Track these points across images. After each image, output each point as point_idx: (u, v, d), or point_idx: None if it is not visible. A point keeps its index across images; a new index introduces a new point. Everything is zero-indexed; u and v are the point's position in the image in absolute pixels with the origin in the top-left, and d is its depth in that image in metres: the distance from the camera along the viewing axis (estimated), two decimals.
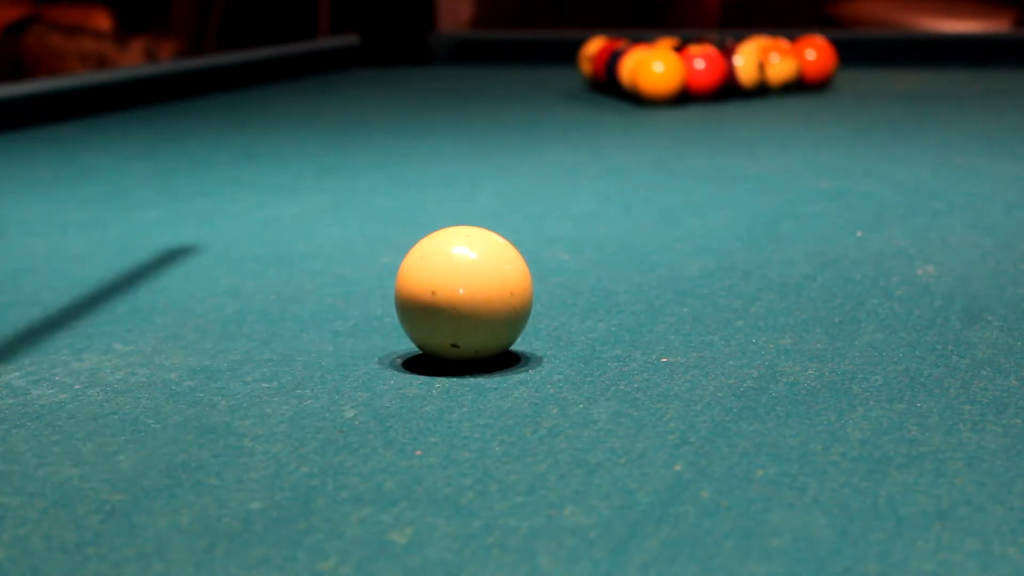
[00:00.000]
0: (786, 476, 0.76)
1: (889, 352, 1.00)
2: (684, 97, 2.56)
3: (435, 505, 0.74)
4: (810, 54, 2.74)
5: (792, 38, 2.79)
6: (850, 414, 0.86)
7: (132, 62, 4.63)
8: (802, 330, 1.06)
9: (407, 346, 1.02)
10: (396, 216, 1.63)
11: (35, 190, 1.83)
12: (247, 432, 0.86)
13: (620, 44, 2.73)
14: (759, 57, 2.64)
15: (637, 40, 2.78)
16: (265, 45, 3.29)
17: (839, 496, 0.73)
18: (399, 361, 1.00)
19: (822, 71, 2.75)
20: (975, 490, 0.74)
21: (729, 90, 2.60)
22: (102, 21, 4.96)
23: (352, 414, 0.89)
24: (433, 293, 0.95)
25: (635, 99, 2.57)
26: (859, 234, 1.44)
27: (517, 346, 1.02)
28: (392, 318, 1.10)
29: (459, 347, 0.96)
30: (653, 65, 2.52)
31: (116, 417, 0.90)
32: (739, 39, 2.75)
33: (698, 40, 2.75)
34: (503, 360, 0.99)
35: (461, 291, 0.95)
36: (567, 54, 3.15)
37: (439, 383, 0.94)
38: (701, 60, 2.57)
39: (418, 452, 0.82)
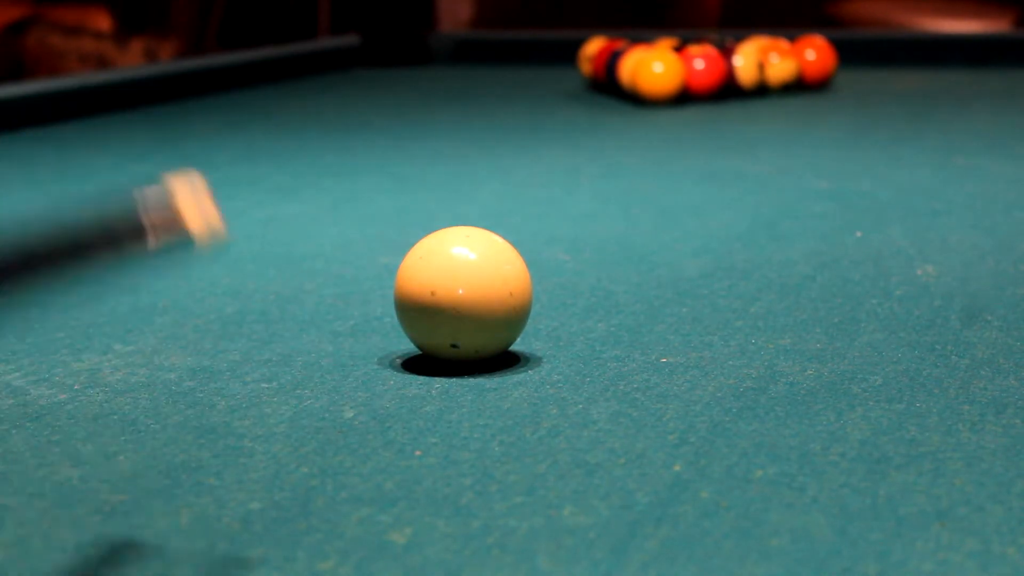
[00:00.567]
0: (785, 476, 0.76)
1: (888, 352, 1.00)
2: (684, 97, 2.56)
3: (434, 505, 0.74)
4: (810, 54, 2.74)
5: (792, 38, 2.79)
6: (849, 414, 0.87)
7: (132, 62, 4.63)
8: (801, 330, 1.06)
9: (407, 346, 1.03)
10: (396, 216, 1.63)
11: (35, 190, 1.83)
12: (246, 432, 0.86)
13: (620, 44, 2.73)
14: (759, 57, 2.64)
15: (637, 40, 2.78)
16: (265, 45, 3.29)
17: (838, 496, 0.73)
18: (399, 361, 1.00)
19: (822, 71, 2.75)
20: (974, 490, 0.74)
21: (729, 90, 2.60)
22: (102, 21, 4.95)
23: (351, 414, 0.89)
24: (433, 293, 0.95)
25: (635, 99, 2.57)
26: (859, 234, 1.44)
27: (516, 346, 1.02)
28: (392, 318, 1.10)
29: (459, 347, 0.96)
30: (653, 65, 2.52)
31: (116, 417, 0.90)
32: (739, 39, 2.75)
33: (698, 40, 2.75)
34: (503, 360, 0.99)
35: (461, 291, 0.95)
36: (567, 54, 3.15)
37: (438, 383, 0.95)
38: (701, 60, 2.57)
39: (417, 452, 0.82)
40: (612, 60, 2.64)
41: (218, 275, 1.31)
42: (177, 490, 0.77)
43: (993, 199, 1.64)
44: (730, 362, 0.98)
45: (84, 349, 1.05)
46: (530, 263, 1.02)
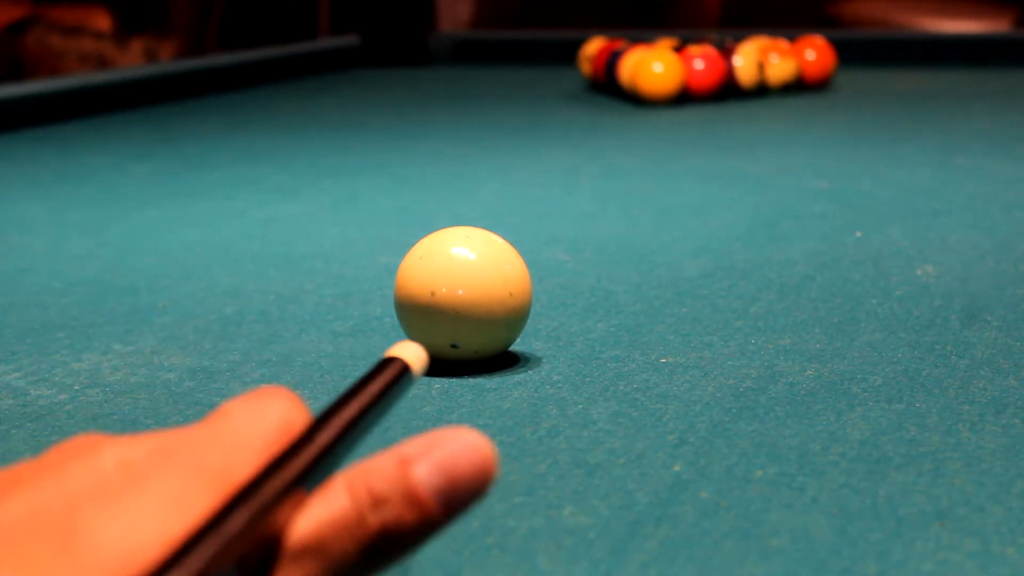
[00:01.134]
0: (785, 476, 0.76)
1: (888, 352, 1.00)
2: (684, 97, 2.56)
3: None
4: (810, 54, 2.74)
5: (792, 38, 2.79)
6: (849, 414, 0.87)
7: (132, 62, 4.63)
8: (801, 330, 1.06)
9: None
10: (396, 216, 1.63)
11: (35, 190, 1.83)
12: None
13: (620, 44, 2.73)
14: (759, 57, 2.64)
15: (637, 40, 2.78)
16: (265, 45, 3.29)
17: (838, 496, 0.73)
18: None
19: (822, 71, 2.75)
20: (974, 490, 0.74)
21: (729, 90, 2.61)
22: (102, 21, 4.96)
23: None
24: (432, 293, 0.95)
25: (635, 99, 2.57)
26: (858, 234, 1.44)
27: (516, 346, 1.03)
28: (392, 318, 1.10)
29: (458, 347, 0.96)
30: (653, 65, 2.52)
31: (116, 417, 0.90)
32: (739, 39, 2.75)
33: (698, 40, 2.75)
34: (502, 360, 0.99)
35: (460, 292, 0.95)
36: (567, 54, 3.16)
37: (438, 383, 0.95)
38: (701, 60, 2.57)
39: None
40: (612, 60, 2.64)
41: (218, 275, 1.31)
42: None
43: (993, 199, 1.64)
44: (730, 362, 0.98)
45: (84, 349, 1.05)
46: (530, 263, 1.02)
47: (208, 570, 0.33)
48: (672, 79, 2.52)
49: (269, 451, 0.37)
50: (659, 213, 1.62)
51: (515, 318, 0.97)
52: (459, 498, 0.37)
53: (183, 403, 0.92)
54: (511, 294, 0.96)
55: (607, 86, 2.69)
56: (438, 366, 0.98)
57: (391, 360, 0.42)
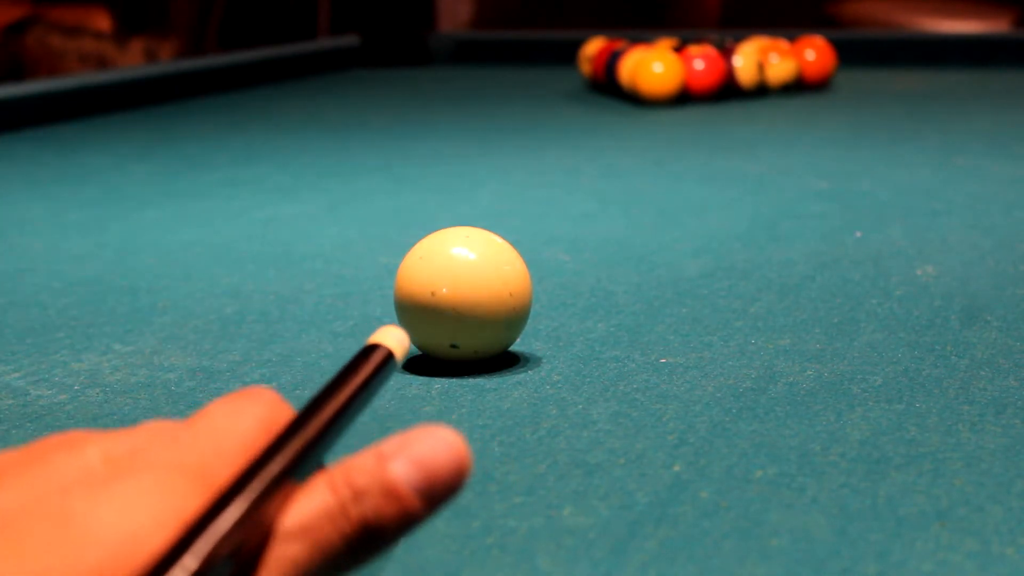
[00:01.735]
0: (785, 476, 0.76)
1: (888, 352, 1.00)
2: (683, 97, 2.56)
3: None
4: (810, 54, 2.74)
5: (791, 38, 2.80)
6: (849, 414, 0.87)
7: (132, 62, 4.63)
8: (801, 330, 1.06)
9: None
10: (396, 216, 1.63)
11: (35, 190, 1.83)
12: None
13: (620, 44, 2.73)
14: (758, 57, 2.64)
15: (637, 40, 2.78)
16: (265, 45, 3.30)
17: (838, 496, 0.73)
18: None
19: (822, 71, 2.75)
20: (974, 490, 0.74)
21: (728, 90, 2.61)
22: (102, 21, 4.96)
23: None
24: (432, 294, 0.95)
25: (635, 99, 2.57)
26: (858, 234, 1.44)
27: (516, 346, 1.03)
28: (392, 318, 1.10)
29: (458, 348, 0.96)
30: (653, 65, 2.52)
31: (116, 417, 0.90)
32: (738, 39, 2.75)
33: (697, 40, 2.75)
34: (502, 361, 0.99)
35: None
36: (567, 54, 3.16)
37: (438, 384, 0.95)
38: (700, 60, 2.57)
39: None
40: (612, 60, 2.64)
41: (218, 275, 1.31)
42: None
43: (993, 199, 1.64)
44: (730, 362, 0.98)
45: (84, 349, 1.05)
46: (530, 263, 1.02)
47: (210, 561, 0.34)
48: (672, 79, 2.52)
49: (248, 451, 0.39)
50: (659, 213, 1.62)
51: (515, 318, 0.97)
52: (435, 491, 0.39)
53: (183, 403, 0.92)
54: (511, 294, 0.96)
55: (607, 86, 2.69)
56: (438, 366, 0.98)
57: (374, 347, 0.43)
